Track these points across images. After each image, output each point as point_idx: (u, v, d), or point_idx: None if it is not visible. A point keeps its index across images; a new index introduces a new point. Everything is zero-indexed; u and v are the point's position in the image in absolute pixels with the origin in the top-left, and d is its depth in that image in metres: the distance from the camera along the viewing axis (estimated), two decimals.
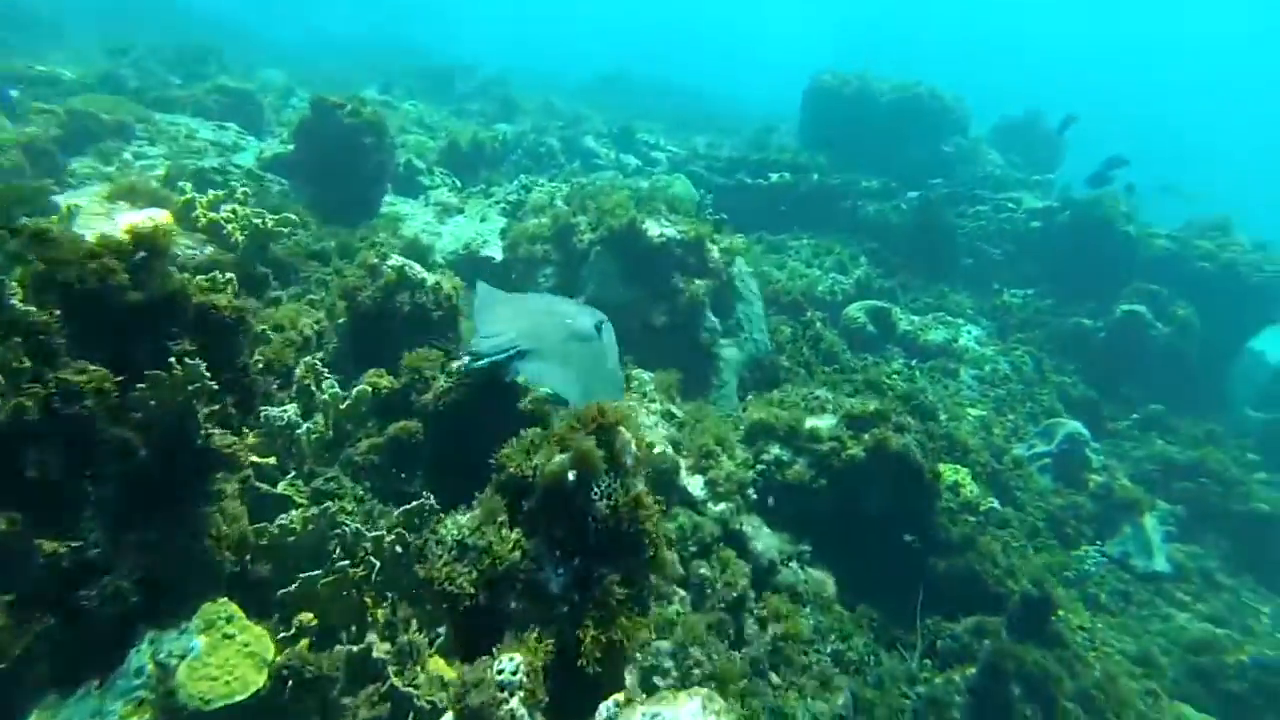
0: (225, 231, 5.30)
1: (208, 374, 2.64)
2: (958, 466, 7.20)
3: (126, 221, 5.30)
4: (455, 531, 2.69)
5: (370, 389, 4.71)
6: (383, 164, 9.84)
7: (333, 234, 8.17)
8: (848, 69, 20.43)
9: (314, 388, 4.88)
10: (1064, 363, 12.09)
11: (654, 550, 2.64)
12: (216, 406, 2.77)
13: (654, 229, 8.26)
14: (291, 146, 9.92)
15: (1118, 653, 6.59)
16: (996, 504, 6.89)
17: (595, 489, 2.63)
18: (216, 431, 2.73)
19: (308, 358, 5.21)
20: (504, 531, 2.57)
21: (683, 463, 6.04)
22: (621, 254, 8.16)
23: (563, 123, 18.78)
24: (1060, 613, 5.99)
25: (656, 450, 5.77)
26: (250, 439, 4.12)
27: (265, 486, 3.94)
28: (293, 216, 6.16)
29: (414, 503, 3.73)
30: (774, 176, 15.19)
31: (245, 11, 30.60)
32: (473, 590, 2.47)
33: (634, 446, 2.80)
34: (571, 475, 2.60)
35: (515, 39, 44.35)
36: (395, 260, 5.57)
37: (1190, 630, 7.49)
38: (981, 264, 15.06)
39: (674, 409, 7.09)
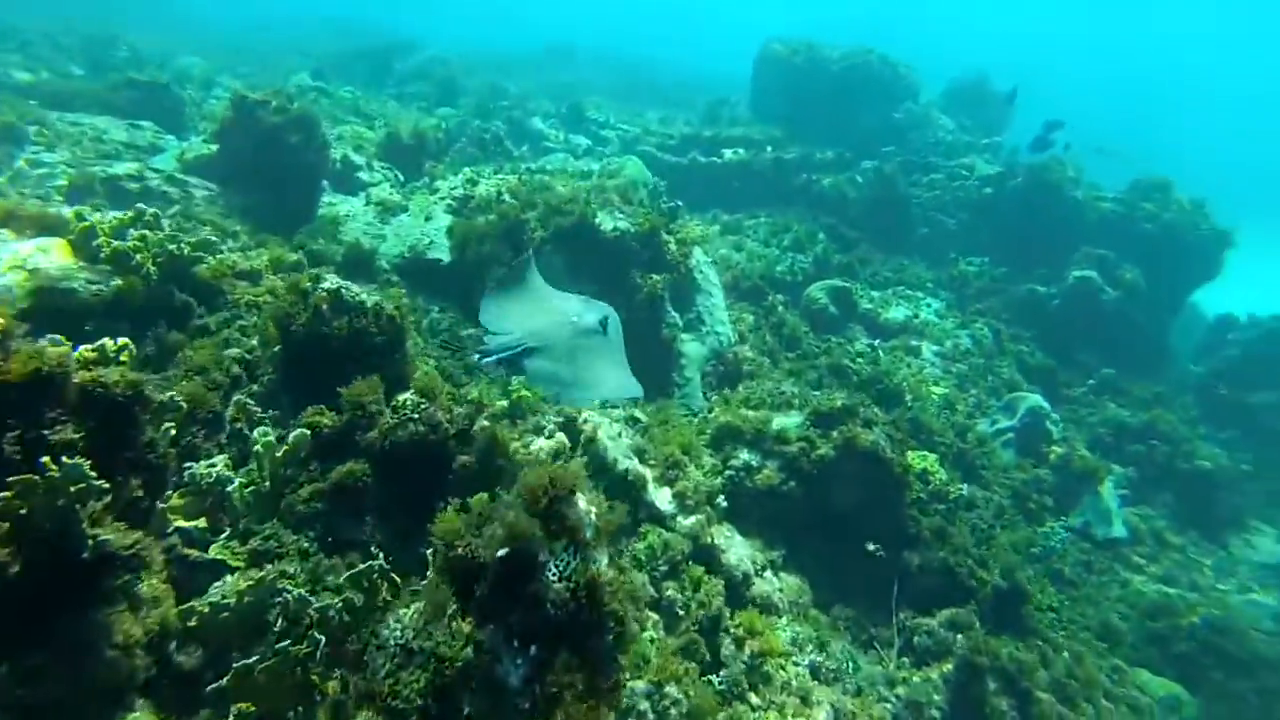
0: (134, 262, 4.80)
1: (94, 474, 2.29)
2: (925, 453, 7.18)
3: (11, 255, 4.76)
4: (398, 633, 2.43)
5: (309, 430, 4.35)
6: (317, 163, 9.24)
7: (265, 245, 7.63)
8: (803, 33, 20.22)
9: (246, 430, 4.51)
10: (1021, 331, 12.27)
11: (620, 628, 2.43)
12: (110, 499, 2.42)
13: (607, 223, 7.95)
14: (216, 147, 9.21)
15: (1083, 629, 6.74)
16: (965, 490, 6.92)
17: (553, 568, 2.40)
18: (111, 534, 2.39)
19: (238, 396, 4.82)
20: (455, 625, 2.33)
21: (649, 474, 5.85)
22: (574, 250, 7.84)
23: (509, 103, 18.05)
24: (1031, 595, 6.06)
25: (621, 467, 5.57)
26: (174, 500, 3.76)
27: (194, 553, 3.60)
28: (214, 239, 5.65)
29: (363, 565, 3.44)
30: (728, 153, 14.91)
31: None
32: (421, 701, 2.23)
33: (593, 515, 2.57)
34: (524, 558, 2.36)
35: (455, 12, 42.46)
36: (330, 282, 5.14)
37: (1146, 594, 7.74)
38: (937, 233, 15.13)
39: (638, 413, 6.88)
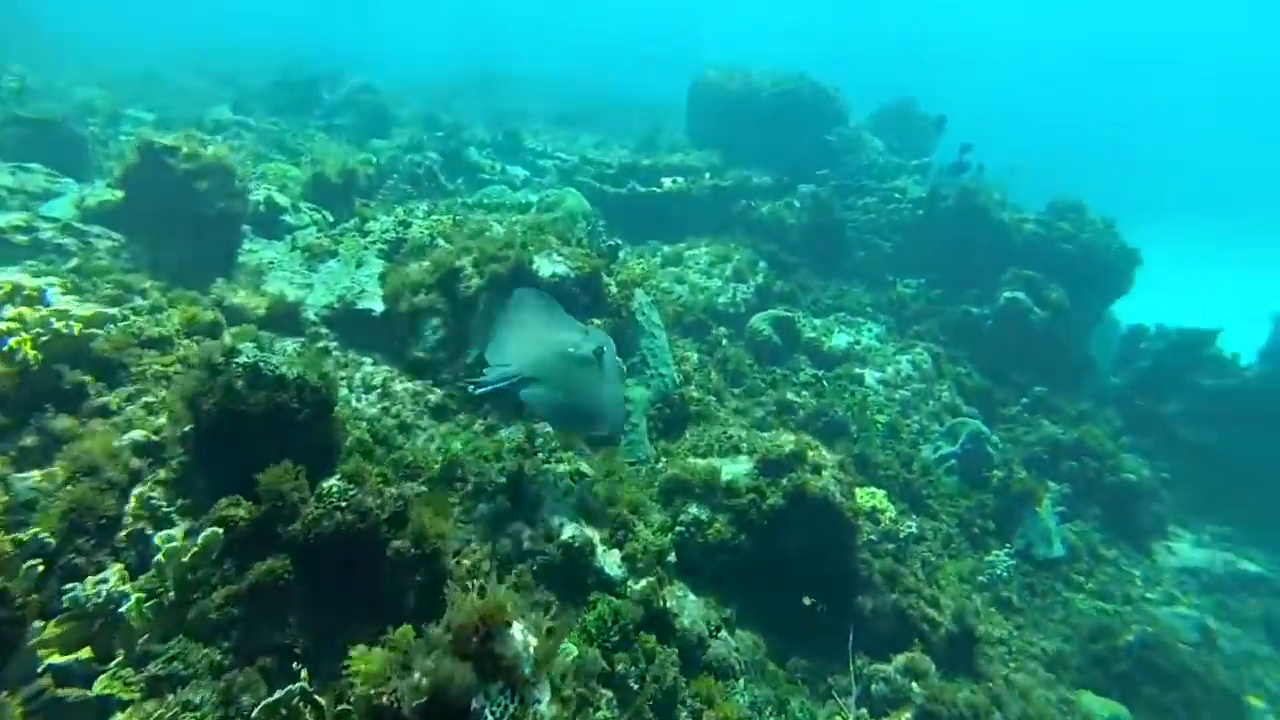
0: (7, 348, 4.32)
1: None
2: (873, 490, 7.22)
3: None
4: None
5: (221, 528, 3.98)
6: (235, 210, 8.72)
7: (177, 304, 7.11)
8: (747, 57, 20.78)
9: (149, 530, 4.10)
10: (958, 352, 12.62)
11: None
12: None
13: (545, 268, 7.75)
14: (121, 193, 8.59)
15: (1031, 658, 6.86)
16: (914, 527, 6.97)
17: (488, 716, 2.18)
18: None
19: (140, 488, 4.39)
20: None
21: (597, 536, 5.66)
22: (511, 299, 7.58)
23: (443, 133, 17.69)
24: (981, 634, 6.11)
25: (567, 533, 5.35)
26: (50, 630, 3.33)
27: (74, 692, 3.19)
28: (111, 312, 5.17)
29: (280, 692, 3.12)
30: (667, 182, 14.94)
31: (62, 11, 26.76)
32: None
33: (531, 646, 2.36)
34: (454, 708, 2.13)
35: (385, 38, 41.64)
36: (246, 355, 4.77)
37: (1086, 615, 7.96)
38: (874, 256, 15.49)
39: (583, 466, 6.69)
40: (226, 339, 6.93)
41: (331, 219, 10.63)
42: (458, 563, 4.83)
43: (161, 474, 4.72)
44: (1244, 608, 9.91)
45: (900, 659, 5.78)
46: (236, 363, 4.66)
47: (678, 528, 5.98)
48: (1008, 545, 8.30)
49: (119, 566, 3.64)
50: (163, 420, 4.99)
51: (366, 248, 9.47)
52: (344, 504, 4.18)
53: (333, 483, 4.22)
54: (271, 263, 9.02)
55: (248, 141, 14.07)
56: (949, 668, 5.81)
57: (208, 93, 18.41)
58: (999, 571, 7.67)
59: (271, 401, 4.64)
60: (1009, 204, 15.34)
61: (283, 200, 10.37)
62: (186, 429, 4.75)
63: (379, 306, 8.26)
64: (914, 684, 5.57)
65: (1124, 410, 13.38)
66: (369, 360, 7.91)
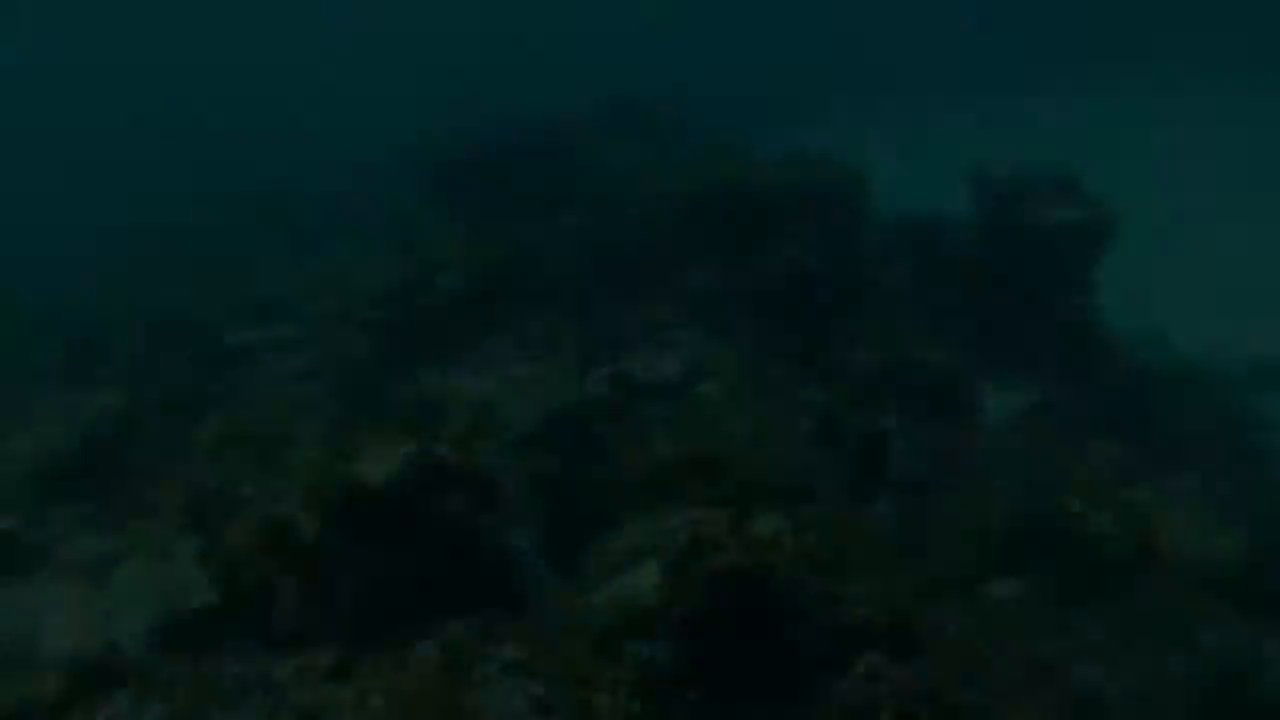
0: None
1: None
2: (767, 517, 7.66)
3: None
4: None
5: None
6: None
7: None
8: None
9: None
10: (774, 323, 13.68)
11: None
12: None
13: (374, 473, 7.23)
14: None
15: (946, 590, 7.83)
16: (814, 536, 7.50)
17: None
18: None
19: None
20: None
21: None
22: (357, 524, 7.07)
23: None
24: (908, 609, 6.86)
25: None
26: None
27: None
28: None
29: None
30: (441, 281, 14.25)
31: None
32: None
33: None
34: None
35: None
36: None
37: (963, 521, 9.23)
38: (659, 257, 16.25)
39: (511, 653, 6.52)
40: None
41: (98, 509, 9.03)
42: None
43: None
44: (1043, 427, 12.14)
45: (859, 668, 6.31)
46: None
47: (631, 673, 6.03)
48: (885, 493, 9.31)
49: None
50: None
51: (164, 528, 8.24)
52: None
53: None
54: (40, 619, 7.41)
55: None
56: (898, 654, 6.44)
57: None
58: (891, 523, 8.61)
59: None
60: (750, 165, 16.75)
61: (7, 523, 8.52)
62: None
63: (215, 594, 7.27)
64: (879, 686, 6.12)
65: (912, 304, 15.40)
66: (230, 659, 6.96)
